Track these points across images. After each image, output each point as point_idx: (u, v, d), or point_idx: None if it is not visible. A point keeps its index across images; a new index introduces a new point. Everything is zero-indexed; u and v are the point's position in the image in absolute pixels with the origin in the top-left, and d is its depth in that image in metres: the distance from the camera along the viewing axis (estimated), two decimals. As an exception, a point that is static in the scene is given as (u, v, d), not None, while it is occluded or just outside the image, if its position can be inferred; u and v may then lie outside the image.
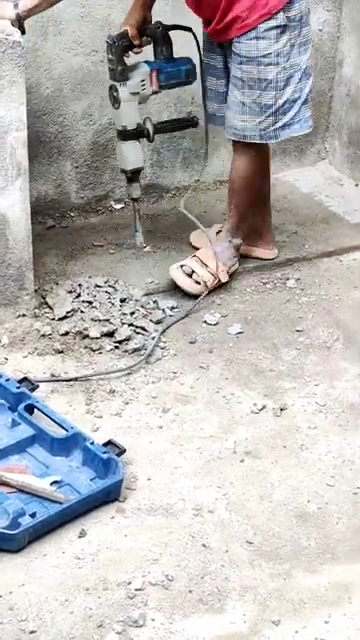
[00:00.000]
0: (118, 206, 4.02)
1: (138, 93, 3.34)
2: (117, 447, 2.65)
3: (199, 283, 3.41)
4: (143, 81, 3.34)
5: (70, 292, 3.35)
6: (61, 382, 2.98)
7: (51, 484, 2.55)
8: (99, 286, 3.38)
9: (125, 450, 2.65)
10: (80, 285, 3.38)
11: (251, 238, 3.66)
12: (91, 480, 2.59)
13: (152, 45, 3.38)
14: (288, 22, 3.16)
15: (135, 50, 3.32)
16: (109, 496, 2.54)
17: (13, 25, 3.02)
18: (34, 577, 2.31)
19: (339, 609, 2.28)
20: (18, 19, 3.05)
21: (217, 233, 3.71)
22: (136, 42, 3.28)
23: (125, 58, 3.31)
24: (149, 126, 3.41)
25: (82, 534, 2.44)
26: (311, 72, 3.31)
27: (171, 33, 3.37)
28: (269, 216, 3.66)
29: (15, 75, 2.97)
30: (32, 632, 2.17)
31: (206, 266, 3.42)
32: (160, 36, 3.34)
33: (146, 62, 3.38)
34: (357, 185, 4.29)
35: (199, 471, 2.69)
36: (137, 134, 3.39)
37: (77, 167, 3.92)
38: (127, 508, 2.54)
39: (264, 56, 3.18)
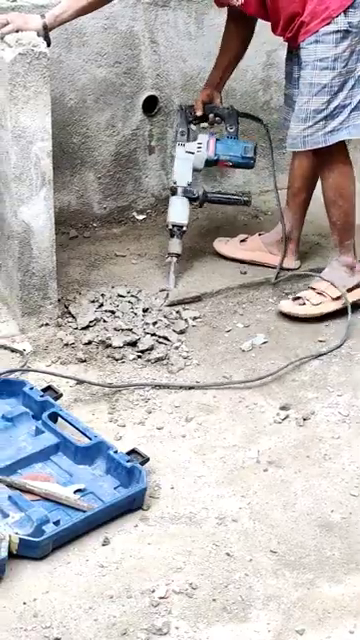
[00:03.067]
0: (140, 217, 4.04)
1: (193, 153, 3.55)
2: (140, 456, 2.65)
3: (304, 304, 3.42)
4: (200, 144, 3.57)
5: (93, 302, 3.36)
6: (84, 392, 2.99)
7: (75, 492, 2.55)
8: (122, 296, 3.40)
9: (148, 459, 2.66)
10: (103, 295, 3.39)
11: (277, 247, 3.67)
12: (114, 489, 2.59)
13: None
14: (350, 27, 3.11)
15: (195, 122, 3.60)
16: (133, 504, 2.54)
17: (39, 36, 3.04)
18: (58, 585, 2.31)
19: (364, 619, 2.27)
20: (44, 28, 3.08)
21: (241, 241, 3.73)
22: (198, 112, 3.59)
23: (192, 127, 3.64)
24: (200, 191, 3.60)
25: (106, 542, 2.44)
26: None
27: None
28: (301, 227, 3.68)
29: (40, 86, 3.00)
30: (56, 639, 2.17)
31: (321, 294, 3.44)
32: (226, 116, 3.61)
33: (211, 132, 3.64)
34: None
35: (222, 480, 2.68)
36: (185, 193, 3.56)
37: (100, 178, 3.94)
38: (151, 516, 2.54)
39: (320, 60, 3.15)
